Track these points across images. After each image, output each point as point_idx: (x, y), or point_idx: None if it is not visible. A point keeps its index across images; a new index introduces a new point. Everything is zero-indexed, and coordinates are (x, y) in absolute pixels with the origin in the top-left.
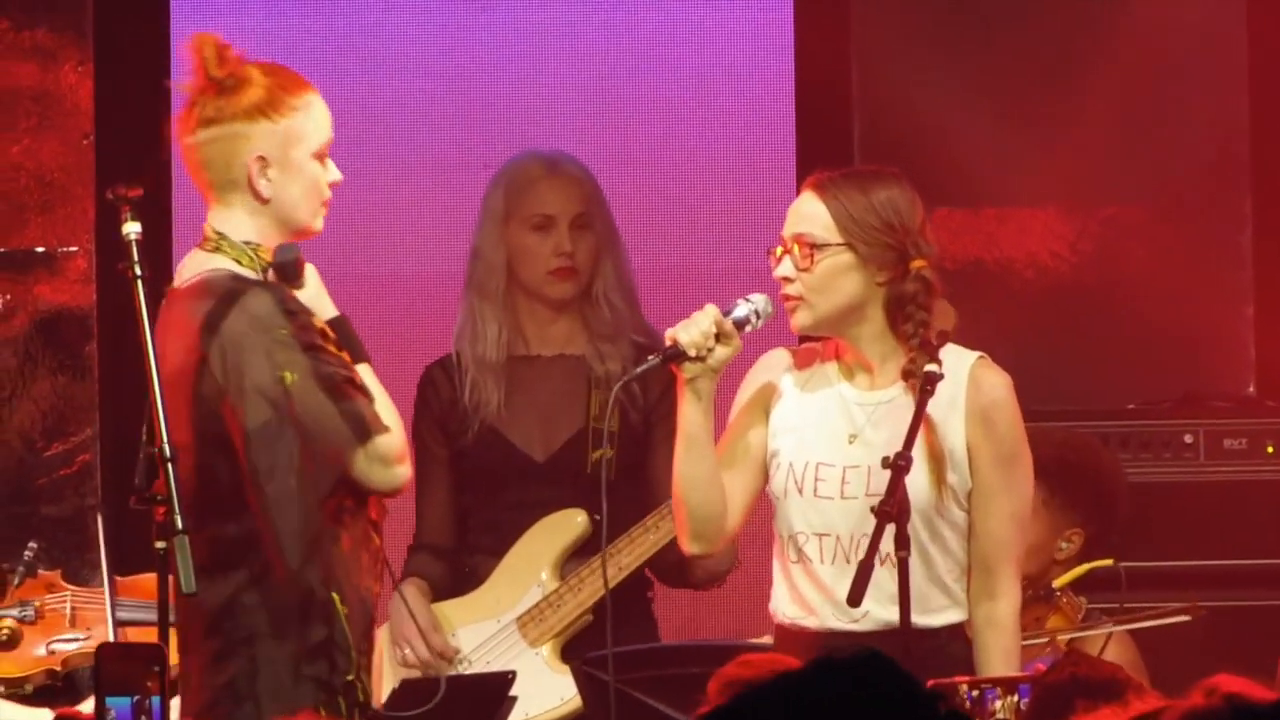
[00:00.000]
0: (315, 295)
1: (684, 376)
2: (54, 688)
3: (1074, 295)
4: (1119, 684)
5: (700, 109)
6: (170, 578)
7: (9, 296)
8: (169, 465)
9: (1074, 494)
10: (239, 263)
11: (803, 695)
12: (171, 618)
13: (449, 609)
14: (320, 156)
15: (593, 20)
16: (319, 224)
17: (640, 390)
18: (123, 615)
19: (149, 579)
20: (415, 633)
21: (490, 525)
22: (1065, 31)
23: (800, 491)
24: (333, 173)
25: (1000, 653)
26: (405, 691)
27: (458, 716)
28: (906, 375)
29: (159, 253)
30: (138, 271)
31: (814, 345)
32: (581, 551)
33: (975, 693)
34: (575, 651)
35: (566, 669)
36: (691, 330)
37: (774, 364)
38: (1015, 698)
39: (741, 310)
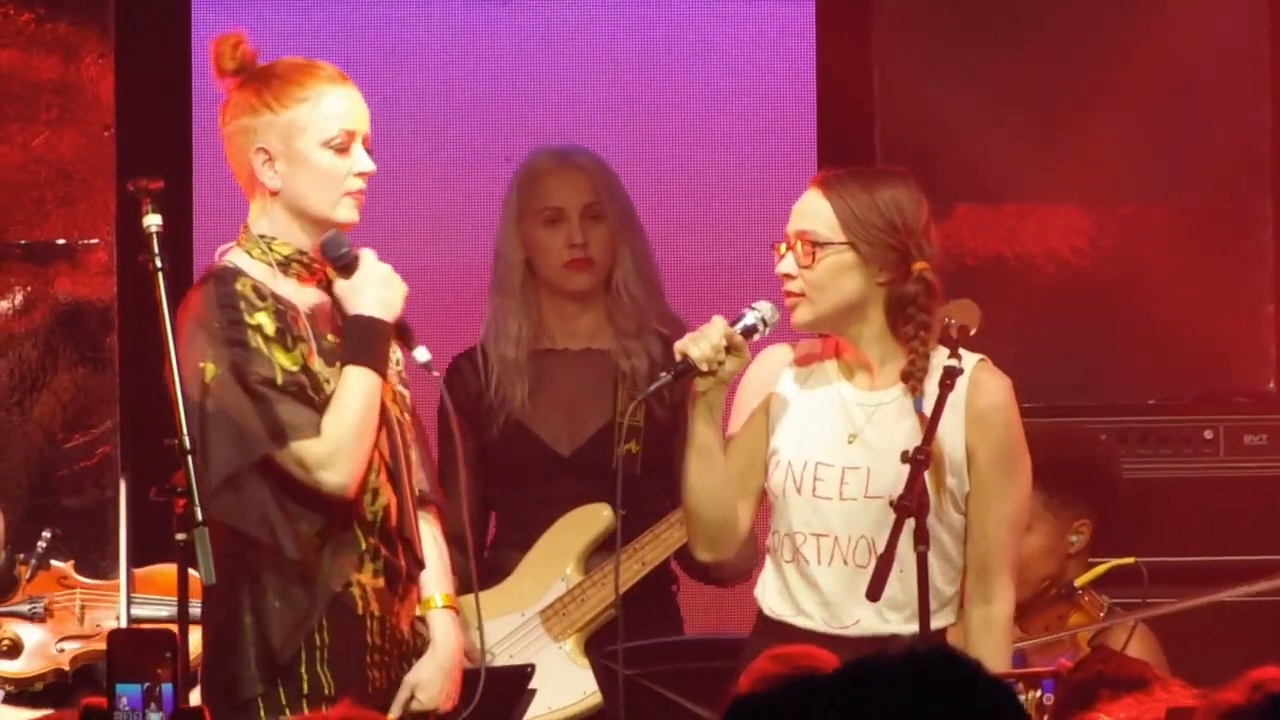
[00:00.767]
0: (353, 288)
1: (696, 390)
2: (65, 685)
3: (1094, 291)
4: (1145, 681)
5: (722, 107)
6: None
7: (30, 289)
8: (189, 457)
9: (1071, 488)
10: (250, 255)
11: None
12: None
13: (468, 603)
14: (337, 147)
15: (614, 18)
16: (342, 214)
17: (669, 387)
18: (137, 611)
19: (164, 571)
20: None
21: (516, 519)
22: (1087, 29)
23: (799, 491)
24: (360, 163)
25: (994, 656)
26: None
27: (477, 709)
28: (906, 377)
29: (180, 245)
30: (159, 264)
31: (813, 342)
32: (606, 546)
33: None
34: (599, 646)
35: (589, 663)
36: (702, 345)
37: (773, 361)
38: (1038, 693)
39: (749, 320)
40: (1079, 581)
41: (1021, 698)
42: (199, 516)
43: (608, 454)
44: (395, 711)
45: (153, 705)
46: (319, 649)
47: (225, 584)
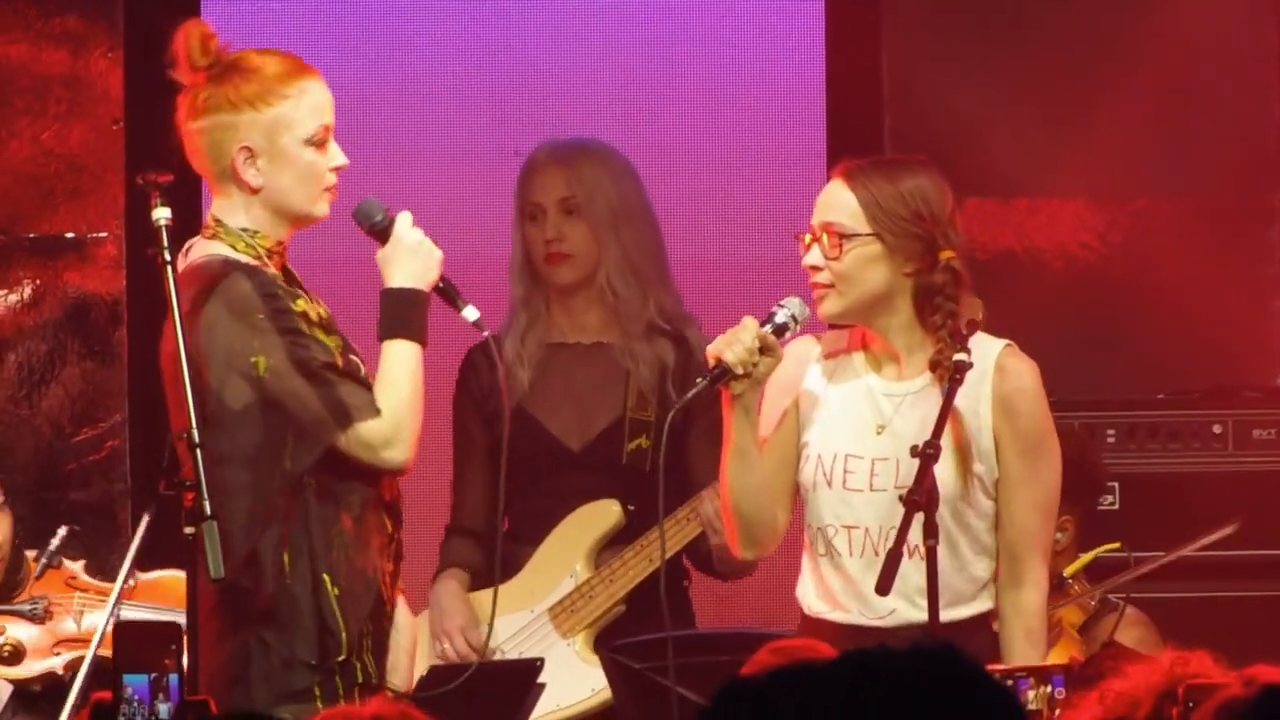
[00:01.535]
0: (386, 259)
1: (731, 393)
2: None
3: (1103, 286)
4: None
5: (731, 101)
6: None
7: (39, 282)
8: (198, 451)
9: None
10: (234, 248)
11: (864, 678)
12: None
13: (484, 599)
14: (316, 143)
15: (623, 11)
16: (320, 209)
17: (678, 383)
18: (131, 616)
19: (172, 580)
20: (456, 628)
21: (526, 514)
22: (1097, 24)
23: (829, 484)
24: (335, 157)
25: (1027, 642)
26: (436, 676)
27: (486, 702)
28: (934, 366)
29: (189, 238)
30: (167, 257)
31: (839, 334)
32: (616, 542)
33: (1009, 682)
34: (607, 643)
35: (598, 660)
36: (737, 349)
37: (801, 354)
38: (1049, 688)
39: (780, 318)
40: (1068, 571)
41: (1031, 692)
42: (208, 510)
43: (618, 449)
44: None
45: (160, 695)
46: (366, 637)
47: (276, 572)
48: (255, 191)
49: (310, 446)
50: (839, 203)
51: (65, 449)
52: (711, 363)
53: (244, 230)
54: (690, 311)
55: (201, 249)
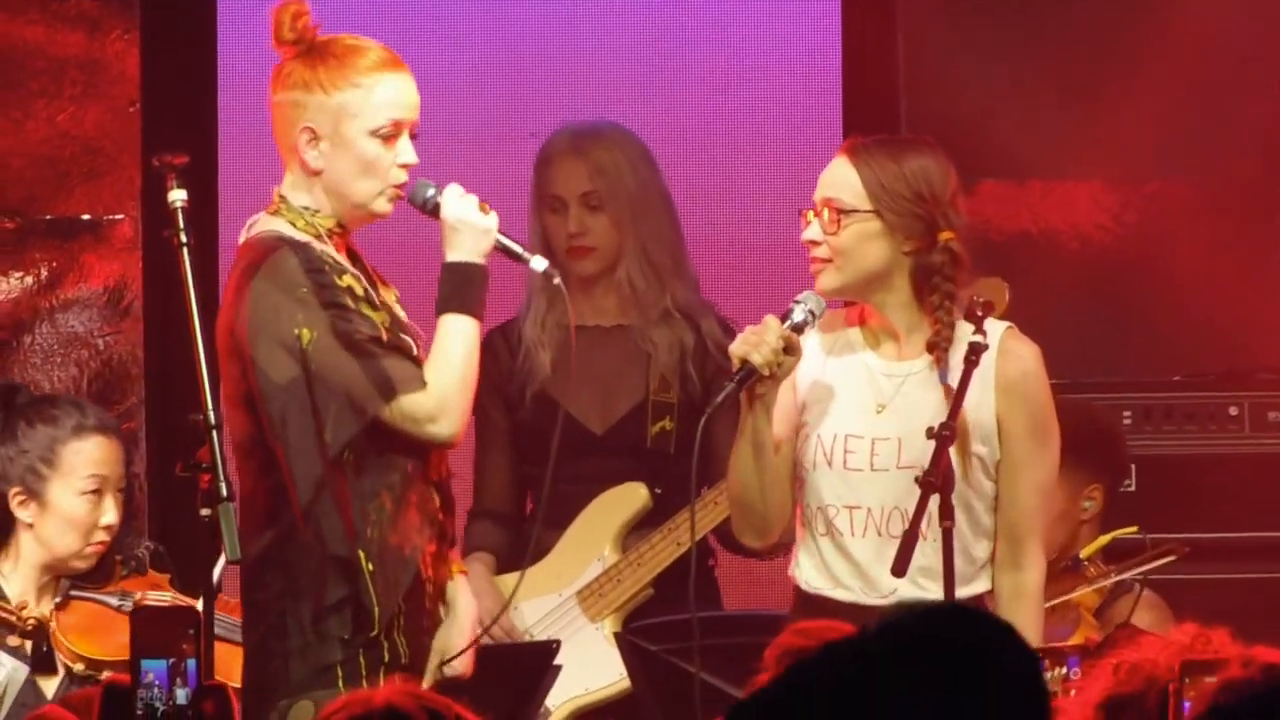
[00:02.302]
0: (444, 234)
1: (755, 392)
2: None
3: (1118, 268)
4: None
5: (748, 83)
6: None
7: (55, 264)
8: (214, 433)
9: (1080, 452)
10: (294, 225)
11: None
12: None
13: (511, 582)
14: (383, 136)
15: None
16: (379, 205)
17: (698, 364)
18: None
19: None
20: (484, 611)
21: (549, 497)
22: (1112, 7)
23: (830, 463)
24: (404, 154)
25: (1027, 623)
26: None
27: (501, 685)
28: (931, 347)
29: (205, 220)
30: (183, 239)
31: (836, 311)
32: (642, 525)
33: None
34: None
35: None
36: (764, 350)
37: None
38: (1064, 669)
39: (798, 315)
40: (1084, 553)
41: (1046, 674)
42: (224, 492)
43: (640, 432)
44: (429, 679)
45: (178, 680)
46: (399, 616)
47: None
48: (316, 174)
49: (353, 419)
50: (841, 179)
51: None
52: (736, 364)
53: (305, 208)
54: (707, 297)
55: (263, 224)
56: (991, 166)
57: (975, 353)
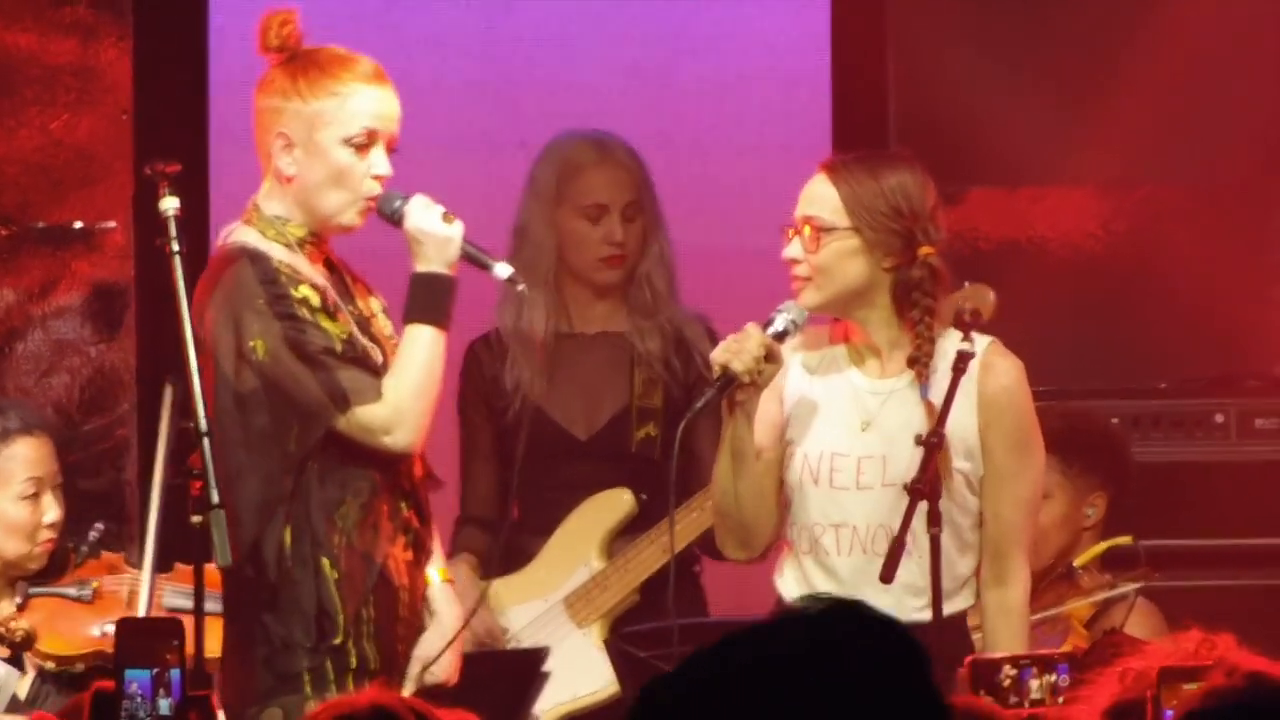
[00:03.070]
0: (411, 244)
1: (735, 400)
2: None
3: (1107, 275)
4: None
5: (736, 89)
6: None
7: (48, 271)
8: (205, 439)
9: (1090, 459)
10: (264, 235)
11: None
12: None
13: (497, 587)
14: (358, 145)
15: (627, 0)
16: (349, 218)
17: (681, 367)
18: (176, 601)
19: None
20: (469, 611)
21: (534, 504)
22: (1103, 11)
23: (816, 482)
24: (377, 165)
25: (1011, 639)
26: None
27: (490, 691)
28: (912, 362)
29: (197, 228)
30: (175, 247)
31: (820, 329)
32: (628, 531)
33: (1014, 671)
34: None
35: None
36: (744, 358)
37: (784, 348)
38: (1054, 676)
39: (779, 324)
40: (1078, 561)
41: (1034, 681)
42: (215, 499)
43: (625, 438)
44: (410, 686)
45: (162, 691)
46: (366, 623)
47: (278, 555)
48: (288, 181)
49: (309, 429)
50: (820, 196)
51: (74, 438)
52: (717, 371)
53: (276, 217)
54: (692, 304)
55: (235, 234)
56: (981, 173)
57: (964, 360)
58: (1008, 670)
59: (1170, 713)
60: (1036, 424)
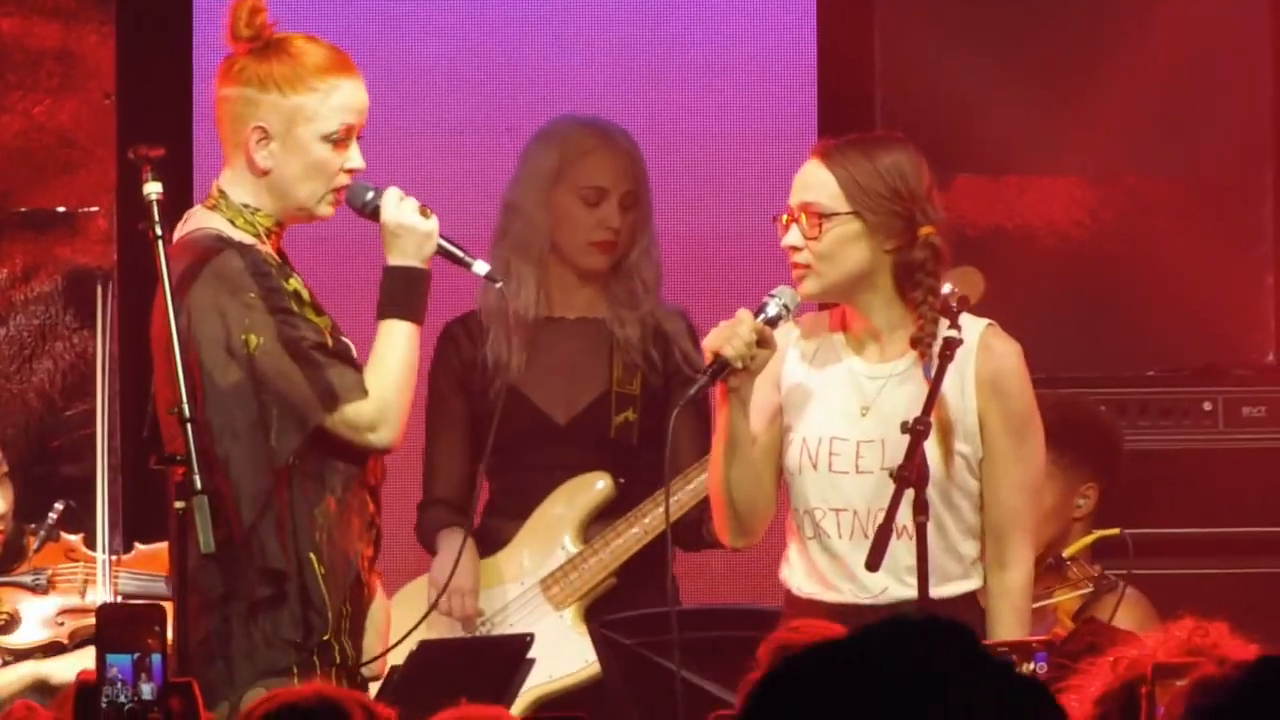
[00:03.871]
0: (385, 237)
1: (729, 386)
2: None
3: (1095, 263)
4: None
5: (723, 77)
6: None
7: (30, 256)
8: (188, 425)
9: (1082, 449)
10: (233, 223)
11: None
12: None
13: (487, 565)
14: (335, 141)
15: None
16: (323, 209)
17: (660, 358)
18: (130, 586)
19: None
20: (469, 589)
21: (511, 487)
22: (1091, 2)
23: (815, 466)
24: (351, 159)
25: (1012, 621)
26: (424, 652)
27: (476, 678)
28: (915, 343)
29: (180, 213)
30: (158, 231)
31: (818, 315)
32: (604, 515)
33: None
34: (598, 615)
35: (589, 632)
36: (736, 344)
37: (779, 337)
38: (1032, 664)
39: (772, 310)
40: (1067, 552)
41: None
42: (198, 485)
43: (604, 423)
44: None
45: (143, 675)
46: (345, 619)
47: (263, 551)
48: (264, 173)
49: (296, 426)
50: (817, 182)
51: (56, 423)
52: (709, 357)
53: (245, 206)
54: (684, 293)
55: (199, 219)
56: (968, 162)
57: (950, 348)
58: None
59: (1163, 709)
60: (1035, 407)
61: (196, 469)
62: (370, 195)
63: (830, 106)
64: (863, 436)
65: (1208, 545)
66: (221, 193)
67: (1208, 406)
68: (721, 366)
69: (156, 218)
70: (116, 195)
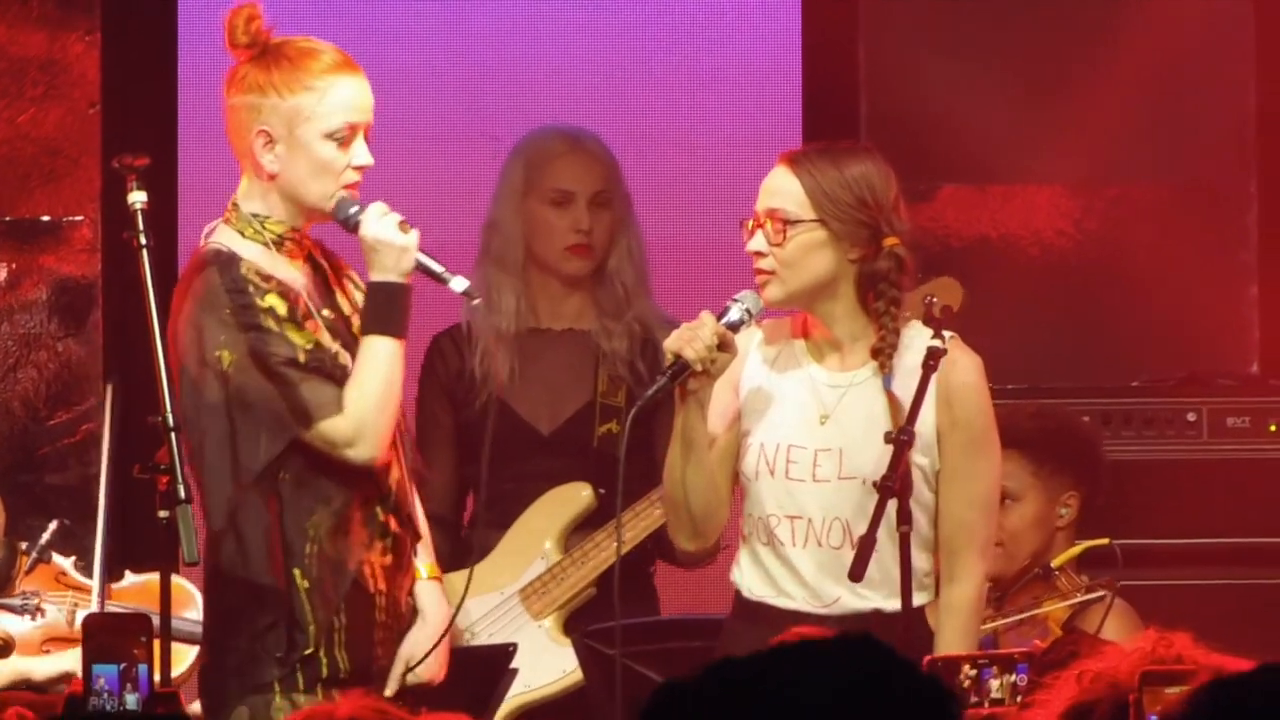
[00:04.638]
0: (366, 253)
1: (687, 389)
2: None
3: (1079, 273)
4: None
5: (707, 83)
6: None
7: (14, 265)
8: (172, 435)
9: (1062, 458)
10: (242, 234)
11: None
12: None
13: (455, 580)
14: (339, 139)
15: None
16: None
17: (647, 370)
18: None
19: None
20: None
21: (494, 497)
22: (1073, 10)
23: (771, 473)
24: (358, 156)
25: (955, 637)
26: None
27: (458, 689)
28: (876, 353)
29: (165, 222)
30: (143, 240)
31: (780, 321)
32: (586, 525)
33: (974, 671)
34: (578, 625)
35: (569, 642)
36: (696, 346)
37: (740, 345)
38: (1013, 676)
39: (734, 314)
40: (1055, 562)
41: (995, 681)
42: (182, 494)
43: (587, 433)
44: (392, 686)
45: (129, 685)
46: (337, 632)
47: (243, 563)
48: (271, 178)
49: (270, 443)
50: (783, 189)
51: (41, 432)
52: (669, 359)
53: (254, 215)
54: (665, 298)
55: (216, 234)
56: (952, 171)
57: (934, 357)
58: (967, 670)
59: (1154, 717)
60: (994, 422)
61: (181, 478)
62: (354, 210)
63: (815, 116)
64: (820, 445)
65: (1192, 556)
66: (234, 205)
67: (1192, 417)
68: (681, 368)
69: (141, 227)
70: (101, 204)
